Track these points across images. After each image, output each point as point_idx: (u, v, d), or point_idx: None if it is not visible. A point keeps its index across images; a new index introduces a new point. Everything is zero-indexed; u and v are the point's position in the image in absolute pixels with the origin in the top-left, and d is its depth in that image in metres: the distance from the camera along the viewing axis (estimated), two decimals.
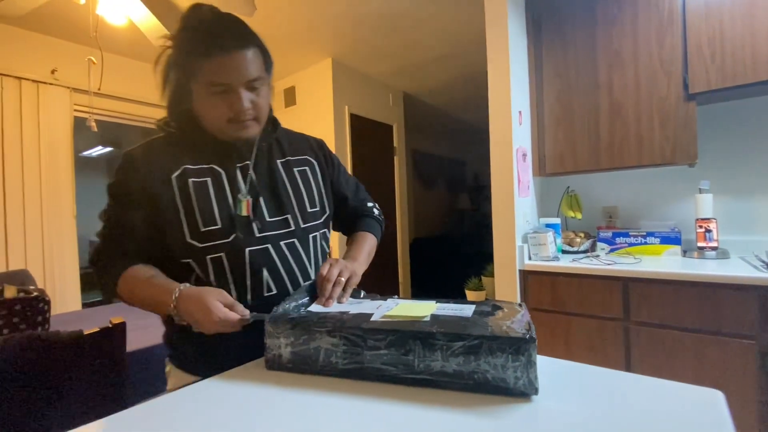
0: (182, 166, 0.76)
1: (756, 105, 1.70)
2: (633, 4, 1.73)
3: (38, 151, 2.34)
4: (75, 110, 2.51)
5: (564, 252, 1.93)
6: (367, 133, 3.45)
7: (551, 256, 1.76)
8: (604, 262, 1.66)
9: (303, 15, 2.37)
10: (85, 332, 0.85)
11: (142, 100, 2.87)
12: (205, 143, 0.78)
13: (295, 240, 0.81)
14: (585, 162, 1.89)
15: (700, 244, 1.67)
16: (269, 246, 0.77)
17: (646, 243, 1.80)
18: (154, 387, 1.33)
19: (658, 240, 1.77)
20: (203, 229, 0.73)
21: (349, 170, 2.76)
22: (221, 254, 0.74)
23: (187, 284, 0.70)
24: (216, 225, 0.74)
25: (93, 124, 1.97)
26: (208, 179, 0.76)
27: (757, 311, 1.29)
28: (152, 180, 0.74)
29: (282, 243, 0.79)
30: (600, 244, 1.92)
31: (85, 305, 2.55)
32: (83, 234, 2.69)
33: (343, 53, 2.94)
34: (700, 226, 1.67)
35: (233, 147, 0.79)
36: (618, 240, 1.87)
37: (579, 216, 2.07)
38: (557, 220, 1.92)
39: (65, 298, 2.40)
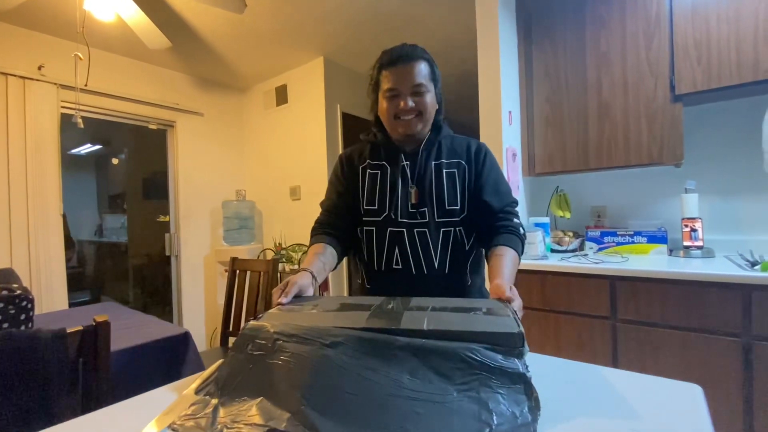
0: (367, 161, 1.04)
1: (741, 106, 1.73)
2: (621, 6, 1.75)
3: (24, 148, 2.30)
4: (62, 107, 2.46)
5: (553, 251, 1.95)
6: (359, 132, 3.43)
7: (540, 254, 1.77)
8: (592, 261, 1.68)
9: (294, 13, 2.36)
10: (69, 330, 0.83)
11: (130, 97, 2.83)
12: (388, 146, 1.02)
13: (427, 230, 0.96)
14: (574, 162, 1.91)
15: (685, 243, 1.69)
16: (404, 230, 0.96)
17: (633, 242, 1.82)
18: (138, 385, 1.32)
19: (645, 239, 1.80)
20: (365, 207, 1.00)
21: None
22: (373, 228, 0.99)
23: (313, 271, 0.86)
24: (374, 206, 0.99)
25: (80, 120, 1.93)
26: (378, 172, 1.02)
27: (741, 309, 1.31)
28: (350, 170, 1.05)
29: (415, 230, 0.96)
30: (588, 243, 1.94)
31: (72, 304, 2.52)
32: (73, 232, 2.65)
33: (334, 52, 2.93)
34: (686, 226, 1.70)
35: (400, 150, 1.01)
36: (606, 239, 1.89)
37: (568, 215, 2.09)
38: (546, 220, 1.94)
39: (52, 297, 2.36)
